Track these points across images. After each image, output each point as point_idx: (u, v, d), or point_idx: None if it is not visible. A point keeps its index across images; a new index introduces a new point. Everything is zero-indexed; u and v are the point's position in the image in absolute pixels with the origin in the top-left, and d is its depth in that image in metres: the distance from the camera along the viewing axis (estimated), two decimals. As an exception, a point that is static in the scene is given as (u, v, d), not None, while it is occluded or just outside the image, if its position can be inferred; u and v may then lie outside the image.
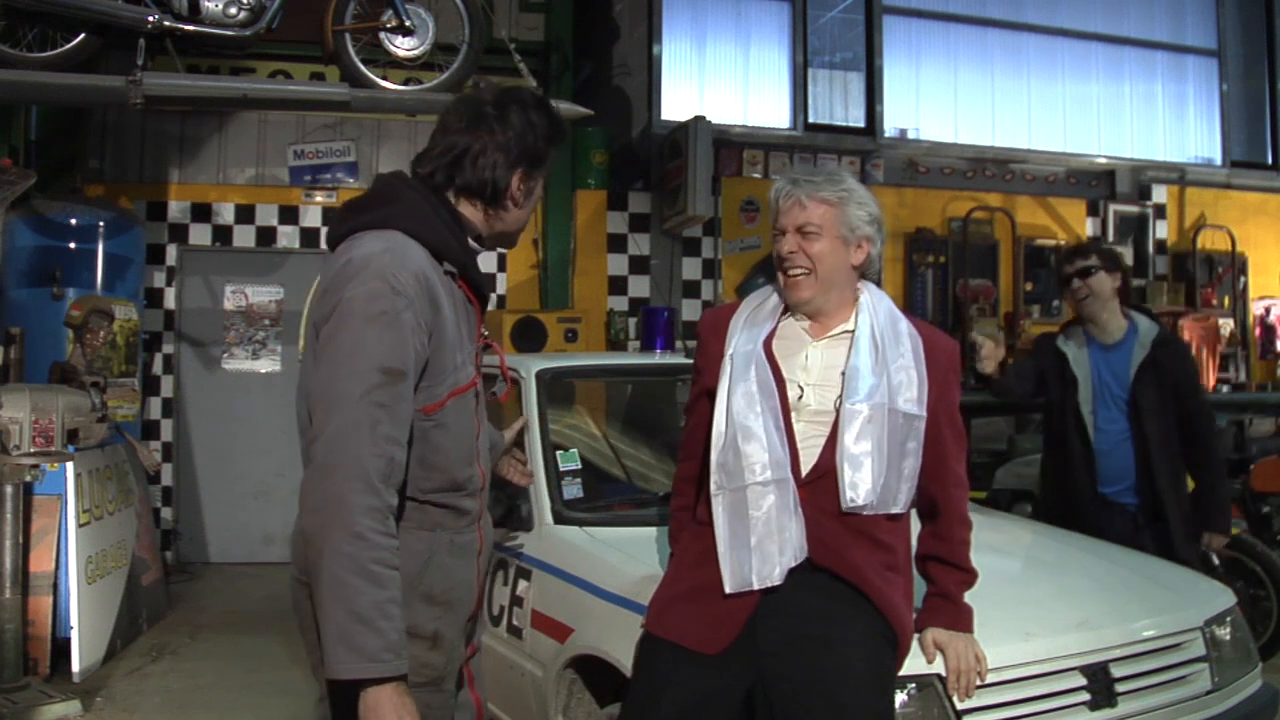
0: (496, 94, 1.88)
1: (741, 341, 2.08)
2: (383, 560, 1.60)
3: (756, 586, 1.95)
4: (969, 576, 2.16)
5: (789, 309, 2.12)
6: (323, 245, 7.17)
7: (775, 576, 1.95)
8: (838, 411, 2.00)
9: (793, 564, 1.96)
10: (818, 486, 1.99)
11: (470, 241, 1.87)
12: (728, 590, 1.96)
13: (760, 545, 1.95)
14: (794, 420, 2.03)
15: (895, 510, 2.02)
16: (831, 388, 2.03)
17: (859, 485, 1.95)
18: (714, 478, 2.02)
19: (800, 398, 2.04)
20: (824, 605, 1.97)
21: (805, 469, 2.01)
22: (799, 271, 2.05)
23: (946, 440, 2.10)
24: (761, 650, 1.96)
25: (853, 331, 2.06)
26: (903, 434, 1.99)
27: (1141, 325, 3.49)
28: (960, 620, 2.13)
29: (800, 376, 2.06)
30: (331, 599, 1.58)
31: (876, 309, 2.08)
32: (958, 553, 2.15)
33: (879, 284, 2.17)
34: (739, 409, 2.00)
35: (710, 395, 2.09)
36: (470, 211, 1.87)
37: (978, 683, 2.10)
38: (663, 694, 2.00)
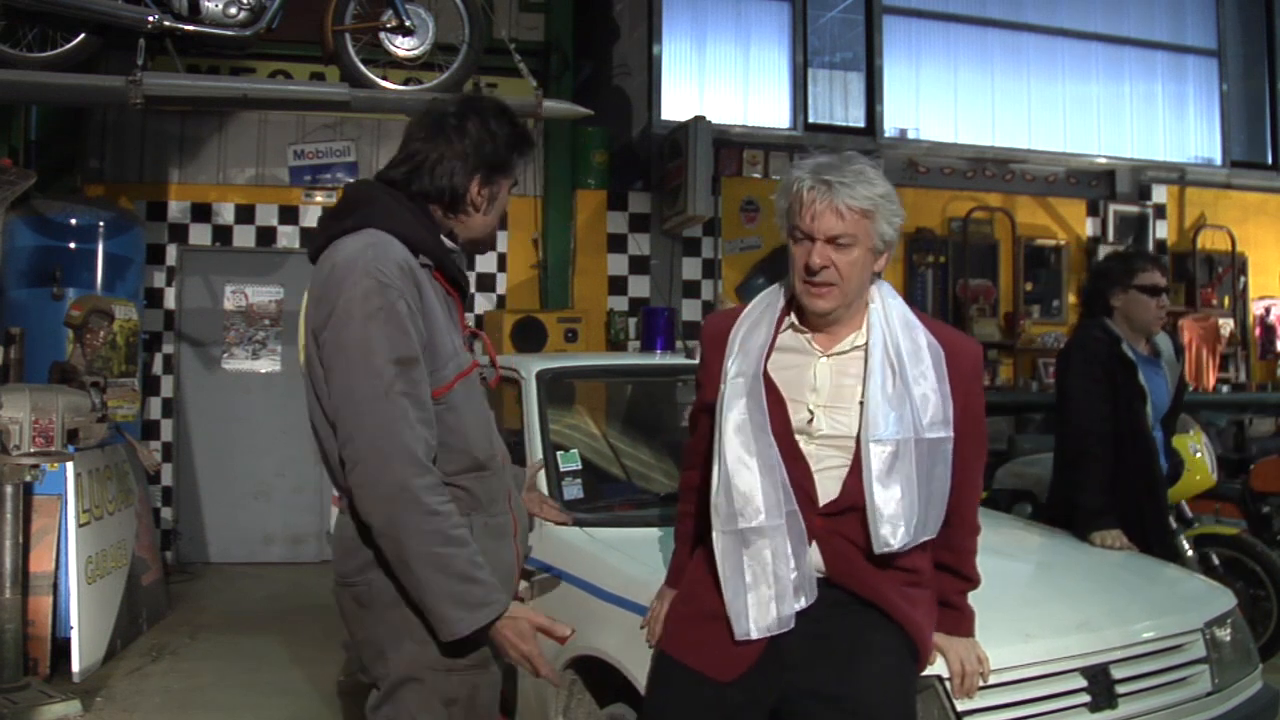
0: (458, 103, 1.94)
1: (737, 363, 1.96)
2: (457, 524, 1.75)
3: (755, 637, 1.87)
4: (972, 583, 2.12)
5: (789, 317, 2.00)
6: (322, 245, 7.17)
7: (774, 625, 1.87)
8: (858, 441, 1.88)
9: (796, 610, 1.88)
10: (843, 520, 1.91)
11: (445, 239, 1.92)
12: (736, 638, 1.89)
13: (758, 595, 1.87)
14: (803, 444, 1.92)
15: (928, 536, 1.93)
16: (846, 409, 1.91)
17: (896, 530, 1.85)
18: (711, 517, 1.94)
19: (810, 421, 1.92)
20: (846, 620, 1.92)
21: (824, 499, 1.92)
22: (827, 284, 1.89)
23: (968, 451, 1.99)
24: (785, 665, 1.90)
25: (864, 345, 1.93)
26: (930, 461, 1.89)
27: (1160, 340, 3.45)
28: (961, 624, 2.10)
29: (810, 398, 1.94)
30: (431, 571, 1.71)
31: (889, 318, 1.94)
32: (965, 561, 2.09)
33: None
34: (731, 446, 1.90)
35: (710, 411, 2.00)
36: (438, 216, 1.93)
37: (980, 684, 2.08)
38: (680, 716, 1.95)
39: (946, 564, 2.08)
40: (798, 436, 1.93)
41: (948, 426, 1.91)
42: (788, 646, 1.90)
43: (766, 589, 1.87)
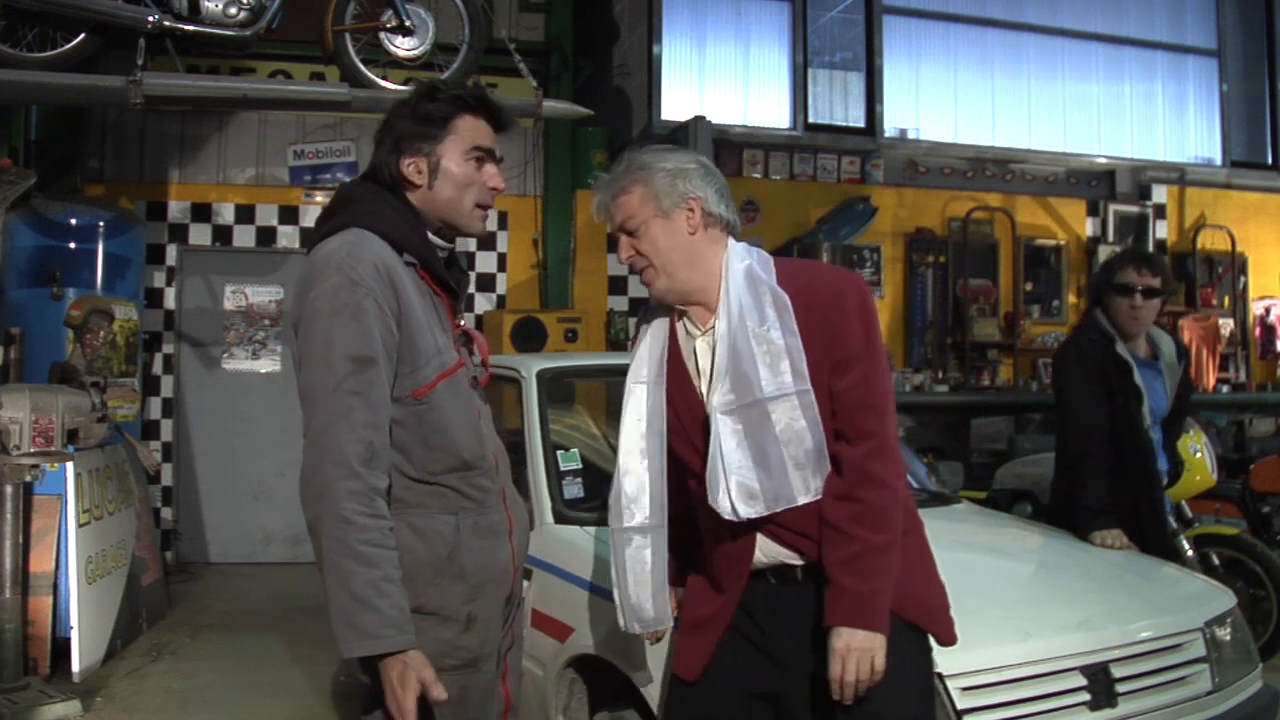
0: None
1: (635, 366, 1.99)
2: (371, 540, 1.69)
3: (638, 630, 2.00)
4: (855, 549, 1.78)
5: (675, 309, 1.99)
6: (323, 245, 7.18)
7: (651, 623, 1.99)
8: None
9: (669, 605, 2.00)
10: None
11: (432, 236, 1.93)
12: (620, 626, 2.00)
13: (636, 591, 1.96)
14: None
15: (805, 499, 1.80)
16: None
17: (741, 497, 1.78)
18: (609, 515, 2.02)
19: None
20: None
21: None
22: (644, 268, 1.93)
23: (845, 393, 1.82)
24: (778, 663, 1.89)
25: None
26: (779, 420, 1.78)
27: (1162, 342, 3.44)
28: (857, 613, 1.76)
29: (698, 384, 1.93)
30: (331, 582, 1.68)
31: (732, 281, 1.86)
32: (840, 515, 1.80)
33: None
34: (625, 449, 1.96)
35: None
36: (424, 213, 1.92)
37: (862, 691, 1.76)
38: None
39: (828, 518, 1.81)
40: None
41: (797, 378, 1.80)
42: (776, 644, 1.89)
43: (643, 589, 1.95)
